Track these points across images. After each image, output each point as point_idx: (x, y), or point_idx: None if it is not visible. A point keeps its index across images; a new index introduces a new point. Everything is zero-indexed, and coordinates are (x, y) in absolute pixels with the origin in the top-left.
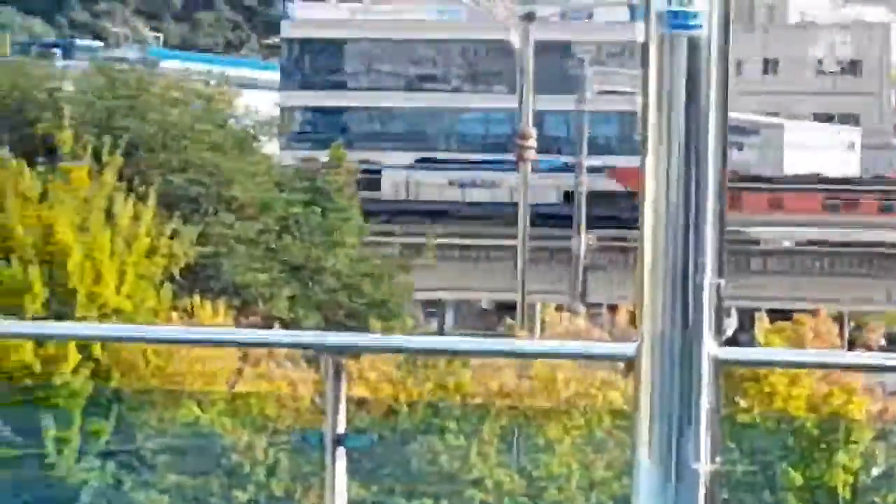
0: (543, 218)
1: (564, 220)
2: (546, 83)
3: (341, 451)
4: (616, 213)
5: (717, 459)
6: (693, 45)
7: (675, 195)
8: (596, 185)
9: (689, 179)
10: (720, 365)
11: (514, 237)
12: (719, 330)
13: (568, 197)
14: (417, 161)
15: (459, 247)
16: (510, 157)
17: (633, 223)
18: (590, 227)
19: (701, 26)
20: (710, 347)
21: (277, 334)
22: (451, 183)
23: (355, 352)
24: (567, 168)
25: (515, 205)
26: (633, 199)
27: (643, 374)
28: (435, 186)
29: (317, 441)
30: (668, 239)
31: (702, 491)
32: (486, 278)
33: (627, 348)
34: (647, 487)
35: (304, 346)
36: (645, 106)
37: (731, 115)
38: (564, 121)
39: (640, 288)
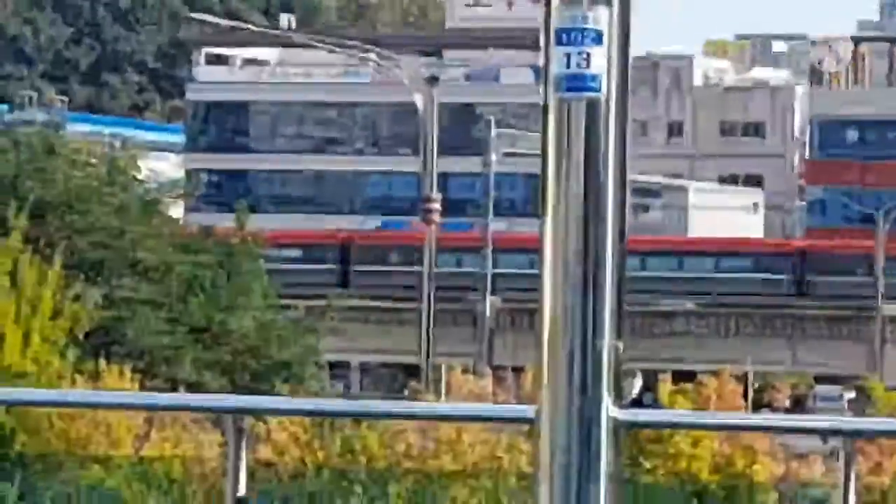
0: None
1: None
2: (451, 145)
3: None
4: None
5: None
6: (591, 108)
7: (574, 257)
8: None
9: (587, 241)
10: (620, 426)
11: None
12: (619, 391)
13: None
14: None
15: (366, 309)
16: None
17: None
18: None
19: (599, 89)
20: (609, 409)
21: (182, 397)
22: None
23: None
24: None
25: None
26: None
27: (543, 436)
28: None
29: None
30: (567, 301)
31: None
32: (393, 341)
33: (528, 410)
34: None
35: (207, 410)
36: (544, 168)
37: (636, 177)
38: (470, 183)
39: (540, 350)
